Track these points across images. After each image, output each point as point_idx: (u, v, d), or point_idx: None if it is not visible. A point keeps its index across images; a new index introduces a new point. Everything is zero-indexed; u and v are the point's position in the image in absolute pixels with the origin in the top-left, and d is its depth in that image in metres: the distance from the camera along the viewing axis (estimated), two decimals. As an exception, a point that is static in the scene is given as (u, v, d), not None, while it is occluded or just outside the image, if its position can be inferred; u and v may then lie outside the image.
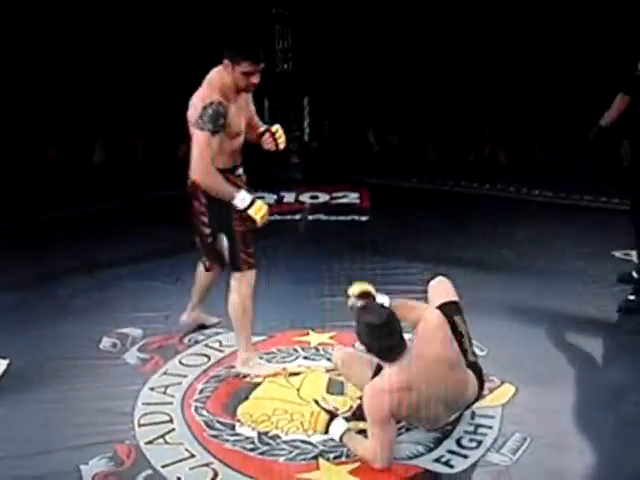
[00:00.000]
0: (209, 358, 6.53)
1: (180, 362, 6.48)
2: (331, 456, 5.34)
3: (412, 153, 11.02)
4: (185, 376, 6.29)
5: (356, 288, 5.58)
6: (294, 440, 5.51)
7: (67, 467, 5.20)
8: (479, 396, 5.51)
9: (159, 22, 10.56)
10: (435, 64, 10.76)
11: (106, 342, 6.71)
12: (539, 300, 7.37)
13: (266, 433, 5.60)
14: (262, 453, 5.40)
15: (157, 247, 8.52)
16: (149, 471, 5.20)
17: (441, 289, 5.74)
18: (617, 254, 8.47)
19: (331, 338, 6.79)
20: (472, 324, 5.62)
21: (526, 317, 6.99)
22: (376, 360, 5.36)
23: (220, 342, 6.74)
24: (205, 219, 6.16)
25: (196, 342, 6.75)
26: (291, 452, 5.41)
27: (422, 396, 5.05)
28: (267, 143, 6.29)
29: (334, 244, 8.84)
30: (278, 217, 9.67)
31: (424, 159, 11.05)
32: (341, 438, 5.21)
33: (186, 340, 6.75)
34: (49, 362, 6.39)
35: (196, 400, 5.98)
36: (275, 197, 10.22)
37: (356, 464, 5.24)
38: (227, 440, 5.53)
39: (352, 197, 10.19)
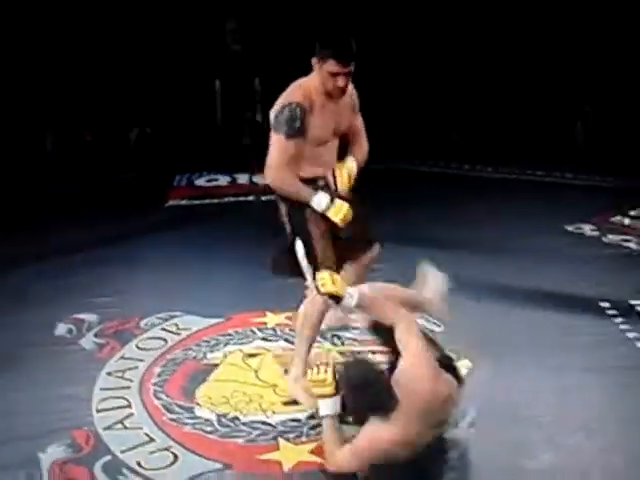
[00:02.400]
0: (166, 341, 6.49)
1: (137, 346, 6.44)
2: (291, 436, 5.34)
3: (372, 133, 11.00)
4: (142, 360, 6.24)
5: (329, 287, 5.18)
6: (253, 421, 5.49)
7: (25, 455, 5.13)
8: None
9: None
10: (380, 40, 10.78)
11: (61, 328, 6.66)
12: (496, 276, 7.39)
13: (225, 415, 5.57)
14: (222, 435, 5.37)
15: (111, 232, 8.44)
16: (108, 457, 5.14)
17: (433, 287, 5.59)
18: (569, 228, 8.53)
19: (288, 318, 6.76)
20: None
21: (483, 293, 7.01)
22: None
23: (177, 325, 6.71)
24: (287, 227, 5.83)
25: (153, 326, 6.69)
26: (251, 433, 5.38)
27: (416, 445, 4.88)
28: (330, 177, 5.69)
29: (288, 224, 8.81)
30: (232, 198, 9.65)
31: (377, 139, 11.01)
32: (323, 417, 5.07)
33: (142, 324, 6.69)
34: (3, 350, 6.32)
35: (154, 384, 5.94)
36: (229, 179, 10.20)
37: (315, 444, 5.23)
38: (186, 423, 5.49)
39: (305, 177, 10.17)
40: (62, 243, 8.17)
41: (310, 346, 5.83)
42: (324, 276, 5.20)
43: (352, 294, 5.14)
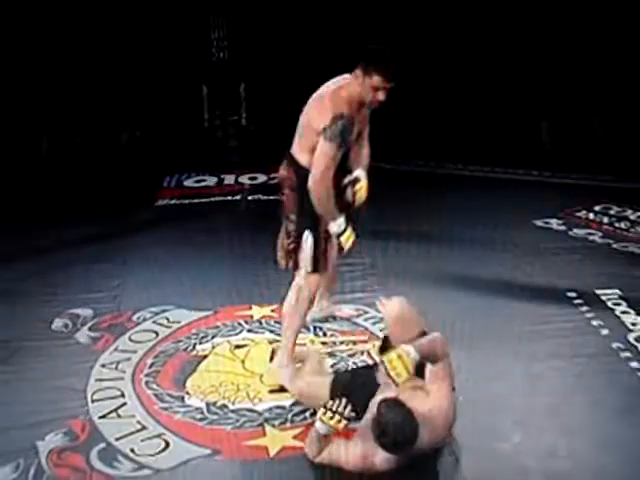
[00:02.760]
0: (157, 334, 6.48)
1: (130, 339, 6.43)
2: (276, 423, 5.36)
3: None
4: (135, 352, 6.24)
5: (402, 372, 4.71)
6: (241, 409, 5.51)
7: (24, 444, 5.14)
8: None
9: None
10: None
11: (58, 323, 6.65)
12: (468, 268, 7.42)
13: (214, 403, 5.59)
14: (211, 422, 5.40)
15: (104, 231, 8.43)
16: (103, 444, 5.16)
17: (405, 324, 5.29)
18: (538, 223, 8.55)
19: (273, 311, 6.78)
20: (407, 294, 5.60)
21: (456, 284, 7.03)
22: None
23: (167, 318, 6.70)
24: (293, 216, 5.89)
25: (144, 319, 6.69)
26: (238, 420, 5.41)
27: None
28: (347, 194, 5.88)
29: (273, 221, 8.79)
30: (219, 198, 9.65)
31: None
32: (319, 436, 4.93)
33: (134, 318, 6.69)
34: (2, 344, 6.32)
35: (146, 375, 5.95)
36: (216, 179, 10.19)
37: (299, 430, 5.26)
38: (177, 412, 5.51)
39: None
40: (57, 242, 8.15)
41: (297, 334, 5.87)
42: (392, 359, 4.71)
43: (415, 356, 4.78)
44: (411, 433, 4.57)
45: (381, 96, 5.47)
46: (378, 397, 4.85)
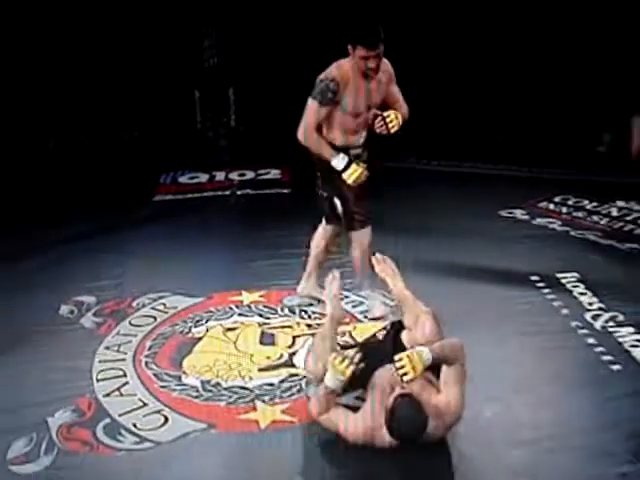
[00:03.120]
0: (155, 319, 6.47)
1: (130, 323, 6.43)
2: (266, 398, 5.36)
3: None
4: (135, 335, 6.23)
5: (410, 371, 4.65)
6: (233, 386, 5.51)
7: (36, 420, 5.15)
8: None
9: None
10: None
11: (64, 309, 6.64)
12: (439, 256, 7.42)
13: (209, 381, 5.59)
14: (206, 399, 5.40)
15: (106, 224, 8.42)
16: (108, 420, 5.17)
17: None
18: (503, 213, 8.58)
19: (261, 296, 6.77)
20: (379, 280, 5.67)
21: (427, 271, 7.02)
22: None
23: (164, 304, 6.69)
24: (320, 183, 6.16)
25: (143, 305, 6.68)
26: (231, 397, 5.41)
27: None
28: (378, 127, 5.86)
29: (261, 214, 8.84)
30: (211, 193, 9.65)
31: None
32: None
33: (135, 304, 6.69)
34: (15, 329, 6.30)
35: (146, 356, 5.94)
36: (208, 176, 10.19)
37: (287, 404, 5.28)
38: (175, 389, 5.51)
39: (274, 173, 10.18)
40: (63, 235, 8.13)
41: (319, 263, 6.34)
42: (404, 363, 4.64)
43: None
44: (421, 427, 4.56)
45: (371, 63, 5.62)
46: (382, 371, 4.87)
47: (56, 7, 10.16)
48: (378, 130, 5.86)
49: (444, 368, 4.79)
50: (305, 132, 5.87)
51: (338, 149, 5.92)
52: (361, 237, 6.21)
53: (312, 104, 5.82)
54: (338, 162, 5.85)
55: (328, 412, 4.86)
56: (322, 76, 5.80)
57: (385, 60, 5.85)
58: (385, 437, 4.64)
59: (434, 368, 4.76)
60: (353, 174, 5.86)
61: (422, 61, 10.68)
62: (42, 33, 10.19)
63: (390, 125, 5.81)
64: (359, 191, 6.02)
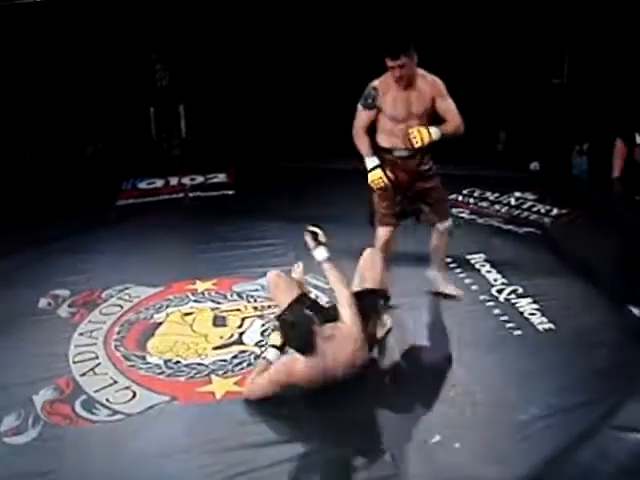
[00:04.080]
0: (122, 307, 6.44)
1: (100, 312, 6.39)
2: (220, 373, 5.41)
3: (270, 140, 10.92)
4: (105, 322, 6.21)
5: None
6: (192, 363, 5.54)
7: (22, 397, 5.17)
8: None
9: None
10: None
11: (42, 302, 6.58)
12: (365, 243, 7.34)
13: (170, 360, 5.61)
14: (168, 375, 5.42)
15: (75, 227, 8.34)
16: (84, 396, 5.19)
17: (369, 266, 5.57)
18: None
19: (213, 284, 6.76)
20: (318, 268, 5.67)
21: (356, 256, 6.94)
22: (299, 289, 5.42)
23: (130, 294, 6.64)
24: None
25: (111, 296, 6.63)
26: (190, 372, 5.44)
27: (321, 382, 4.92)
28: (404, 142, 5.76)
29: (210, 213, 8.82)
30: (167, 196, 9.60)
31: (277, 144, 10.90)
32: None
33: (103, 295, 6.65)
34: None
35: (115, 340, 5.93)
36: (163, 181, 10.11)
37: (239, 377, 5.32)
38: (141, 368, 5.53)
39: (221, 177, 10.10)
40: (40, 237, 8.04)
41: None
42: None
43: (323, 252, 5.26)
44: (305, 329, 4.80)
45: (397, 73, 5.62)
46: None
47: (27, 34, 10.03)
48: (405, 145, 5.76)
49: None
50: (354, 131, 5.88)
51: (384, 150, 5.88)
52: (377, 234, 6.15)
53: (358, 108, 5.83)
54: (368, 163, 5.85)
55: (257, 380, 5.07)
56: (369, 85, 5.81)
57: (435, 78, 5.81)
58: (302, 366, 4.85)
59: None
60: (373, 177, 5.83)
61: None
62: (16, 62, 10.07)
63: (414, 140, 5.70)
64: (382, 192, 5.96)
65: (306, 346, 4.82)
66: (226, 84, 10.89)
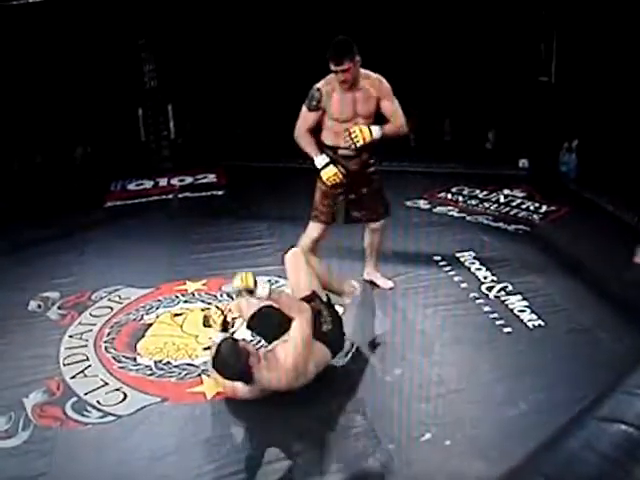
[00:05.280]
0: (112, 309, 6.45)
1: (90, 314, 6.39)
2: (211, 373, 5.35)
3: (254, 141, 10.95)
4: (95, 324, 6.21)
5: (239, 283, 4.95)
6: (182, 364, 5.55)
7: (13, 400, 5.17)
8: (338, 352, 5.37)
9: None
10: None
11: (32, 304, 6.58)
12: (353, 240, 7.36)
13: (160, 361, 5.61)
14: (159, 376, 5.43)
15: (65, 229, 8.35)
16: (75, 398, 5.19)
17: (292, 265, 5.54)
18: (408, 203, 8.65)
19: (203, 285, 6.78)
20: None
21: (345, 255, 7.02)
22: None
23: (119, 296, 6.66)
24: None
25: (101, 298, 6.64)
26: (180, 373, 5.44)
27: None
28: (345, 141, 5.81)
29: (199, 213, 8.83)
30: (156, 197, 9.61)
31: (264, 144, 10.91)
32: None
33: (93, 297, 6.66)
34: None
35: (105, 341, 5.93)
36: (152, 182, 10.13)
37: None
38: (131, 369, 5.53)
39: (210, 177, 10.14)
40: (28, 240, 8.04)
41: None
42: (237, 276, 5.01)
43: (264, 288, 4.96)
44: (233, 365, 4.81)
45: (340, 76, 5.66)
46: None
47: (14, 36, 10.02)
48: (346, 144, 5.81)
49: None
50: (297, 132, 5.91)
51: (329, 147, 5.94)
52: (311, 230, 6.17)
53: (302, 109, 5.87)
54: (319, 160, 5.87)
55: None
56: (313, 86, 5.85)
57: (379, 77, 5.84)
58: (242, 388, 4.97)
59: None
60: (328, 173, 5.87)
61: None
62: (3, 64, 10.06)
63: (355, 140, 5.75)
64: (328, 190, 6.01)
65: (241, 378, 4.90)
66: (214, 85, 10.91)
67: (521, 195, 8.72)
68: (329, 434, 4.74)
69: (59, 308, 6.53)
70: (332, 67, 5.64)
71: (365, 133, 5.74)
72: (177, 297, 6.60)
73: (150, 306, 6.47)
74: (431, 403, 4.96)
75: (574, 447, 3.92)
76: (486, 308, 6.16)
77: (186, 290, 6.72)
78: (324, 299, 5.42)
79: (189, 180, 10.12)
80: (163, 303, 6.51)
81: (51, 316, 6.41)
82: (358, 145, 5.77)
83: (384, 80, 5.87)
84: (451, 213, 8.33)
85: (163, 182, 10.14)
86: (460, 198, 8.76)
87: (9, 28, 9.98)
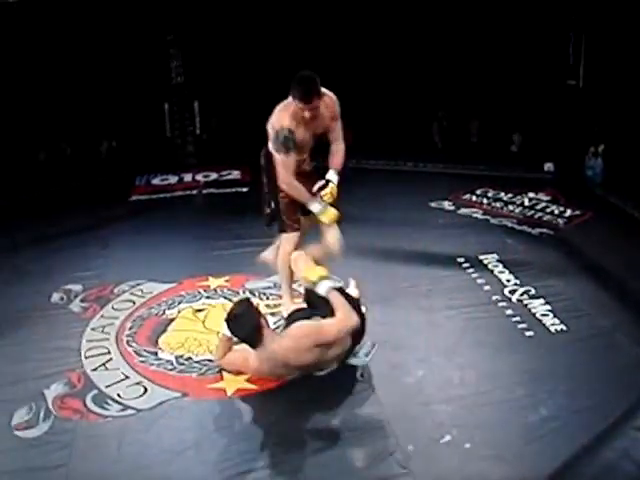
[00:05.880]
0: (134, 303, 6.47)
1: (112, 307, 6.42)
2: (232, 370, 5.39)
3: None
4: (117, 318, 6.23)
5: (315, 275, 5.29)
6: (203, 360, 5.54)
7: (34, 392, 5.19)
8: (359, 339, 5.43)
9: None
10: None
11: (55, 297, 6.61)
12: (380, 241, 7.46)
13: (181, 356, 5.61)
14: (180, 371, 5.43)
15: (89, 222, 8.39)
16: (95, 391, 5.20)
17: (294, 265, 5.66)
18: (433, 204, 8.63)
19: (226, 281, 6.78)
20: (332, 265, 5.75)
21: (368, 256, 7.06)
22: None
23: (142, 290, 6.68)
24: (266, 190, 5.93)
25: (123, 291, 6.67)
26: (201, 369, 5.44)
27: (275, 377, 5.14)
28: (316, 191, 5.75)
29: (223, 210, 8.84)
30: (180, 192, 9.64)
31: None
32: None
33: (116, 290, 6.68)
34: (12, 315, 6.29)
35: (127, 335, 5.95)
36: (177, 178, 10.17)
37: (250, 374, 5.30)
38: (152, 364, 5.53)
39: (235, 174, 10.15)
40: (52, 232, 8.09)
41: (288, 277, 6.03)
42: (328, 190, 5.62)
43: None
44: (248, 321, 4.99)
45: (307, 114, 5.48)
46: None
47: (44, 33, 10.07)
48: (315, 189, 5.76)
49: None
50: (285, 181, 5.66)
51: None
52: (286, 240, 5.96)
53: (282, 158, 5.59)
54: (315, 207, 5.71)
55: (226, 356, 5.29)
56: (277, 126, 5.57)
57: (332, 96, 5.72)
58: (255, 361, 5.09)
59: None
60: (330, 216, 5.74)
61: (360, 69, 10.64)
62: (32, 59, 10.11)
63: (325, 197, 5.72)
64: (290, 201, 5.85)
65: (251, 339, 5.01)
66: (240, 81, 10.91)
67: (546, 199, 8.67)
68: (348, 433, 4.73)
69: (82, 301, 6.55)
70: (300, 105, 5.46)
71: (334, 192, 5.77)
72: (199, 293, 6.61)
73: (172, 301, 6.48)
74: (452, 405, 4.94)
75: (612, 457, 3.89)
76: (508, 311, 6.13)
77: (208, 286, 6.72)
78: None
79: (214, 176, 10.13)
80: (185, 298, 6.52)
81: (73, 308, 6.44)
82: (326, 200, 5.75)
83: (336, 99, 5.77)
84: (475, 215, 8.30)
85: (188, 178, 10.17)
86: (485, 200, 8.73)
87: (40, 22, 10.04)
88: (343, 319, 5.09)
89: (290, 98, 5.54)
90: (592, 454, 4.28)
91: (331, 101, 5.74)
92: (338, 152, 5.88)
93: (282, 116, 5.58)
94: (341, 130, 5.86)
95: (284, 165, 5.62)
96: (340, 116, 5.81)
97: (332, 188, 5.76)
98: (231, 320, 5.06)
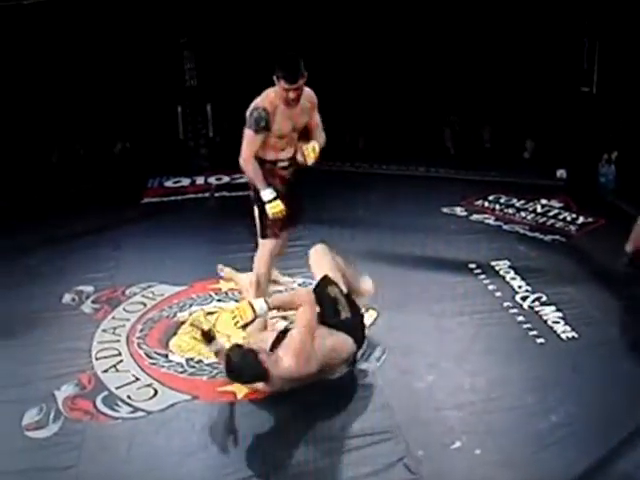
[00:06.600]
0: (145, 305, 6.49)
1: (124, 309, 6.43)
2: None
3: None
4: (128, 320, 6.25)
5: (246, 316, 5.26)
6: (213, 363, 5.52)
7: (44, 393, 5.21)
8: (361, 342, 5.42)
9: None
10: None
11: (66, 298, 6.63)
12: (392, 247, 7.45)
13: (192, 359, 5.63)
14: (190, 374, 5.45)
15: (101, 224, 8.40)
16: (106, 392, 5.23)
17: (316, 260, 5.65)
18: (445, 210, 8.61)
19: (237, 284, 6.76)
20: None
21: (382, 260, 7.06)
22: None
23: (153, 292, 6.69)
24: (252, 194, 5.96)
25: (134, 294, 6.68)
26: (212, 372, 5.46)
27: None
28: (299, 155, 5.81)
29: (235, 213, 8.81)
30: (192, 195, 9.64)
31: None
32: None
33: (127, 292, 6.69)
34: (24, 315, 6.31)
35: (137, 337, 5.98)
36: (189, 180, 10.16)
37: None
38: (163, 366, 5.56)
39: (247, 178, 10.14)
40: (64, 233, 8.11)
41: (262, 284, 6.06)
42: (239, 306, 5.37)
43: (262, 307, 5.24)
44: (249, 367, 4.87)
45: (292, 95, 5.54)
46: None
47: (58, 35, 10.10)
48: (299, 159, 5.80)
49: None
50: (243, 157, 5.73)
51: (269, 162, 5.81)
52: (266, 245, 6.03)
53: (249, 133, 5.68)
54: (266, 194, 5.71)
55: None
56: (252, 106, 5.69)
57: (308, 89, 5.75)
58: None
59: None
60: (275, 208, 5.71)
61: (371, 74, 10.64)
62: (44, 60, 10.14)
63: (307, 158, 5.73)
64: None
65: (259, 378, 4.96)
66: (253, 85, 10.91)
67: (558, 205, 8.65)
68: (358, 438, 4.73)
69: (93, 302, 6.57)
70: (284, 86, 5.51)
71: (316, 150, 5.74)
72: (210, 296, 6.62)
73: (183, 303, 6.50)
74: (462, 411, 4.94)
75: (627, 468, 3.88)
76: (520, 318, 6.12)
77: (220, 289, 6.73)
78: (344, 291, 5.42)
79: (226, 179, 10.13)
80: (196, 301, 6.54)
81: (85, 310, 6.46)
82: (310, 163, 5.76)
83: (313, 92, 5.84)
84: (487, 221, 8.28)
85: (200, 180, 10.17)
86: (497, 206, 8.71)
87: (54, 24, 10.07)
88: (302, 305, 5.12)
89: (275, 87, 5.63)
90: (607, 464, 4.28)
91: (310, 95, 5.83)
92: (321, 136, 5.92)
93: (263, 97, 5.70)
94: (321, 123, 5.93)
95: (249, 141, 5.71)
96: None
97: (314, 144, 5.77)
98: (233, 372, 4.93)
